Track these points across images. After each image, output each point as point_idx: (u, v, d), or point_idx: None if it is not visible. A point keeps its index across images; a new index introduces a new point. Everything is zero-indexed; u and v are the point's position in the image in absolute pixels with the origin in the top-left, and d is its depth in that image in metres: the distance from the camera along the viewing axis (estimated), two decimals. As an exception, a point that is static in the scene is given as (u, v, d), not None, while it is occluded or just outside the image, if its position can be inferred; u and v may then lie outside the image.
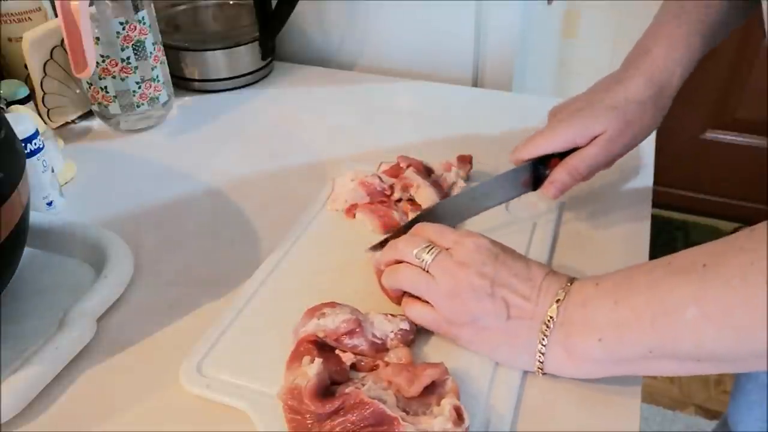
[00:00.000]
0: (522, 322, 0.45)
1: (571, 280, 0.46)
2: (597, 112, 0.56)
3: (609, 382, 0.46)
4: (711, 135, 1.82)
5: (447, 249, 0.48)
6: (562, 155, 0.57)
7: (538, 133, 0.58)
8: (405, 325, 0.49)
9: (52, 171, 0.66)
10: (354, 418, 0.41)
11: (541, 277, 0.46)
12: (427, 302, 0.48)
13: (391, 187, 0.64)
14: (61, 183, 0.69)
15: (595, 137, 0.56)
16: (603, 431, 0.44)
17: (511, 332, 0.45)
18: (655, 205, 0.64)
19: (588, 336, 0.42)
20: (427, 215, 0.57)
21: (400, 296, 0.51)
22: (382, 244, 0.54)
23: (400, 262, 0.50)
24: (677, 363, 0.40)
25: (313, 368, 0.42)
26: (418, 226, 0.52)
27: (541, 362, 0.45)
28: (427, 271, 0.48)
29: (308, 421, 0.41)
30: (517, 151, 0.59)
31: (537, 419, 0.45)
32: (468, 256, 0.46)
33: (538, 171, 0.58)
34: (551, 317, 0.44)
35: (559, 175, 0.57)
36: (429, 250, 0.48)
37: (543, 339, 0.44)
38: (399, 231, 0.56)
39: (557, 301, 0.44)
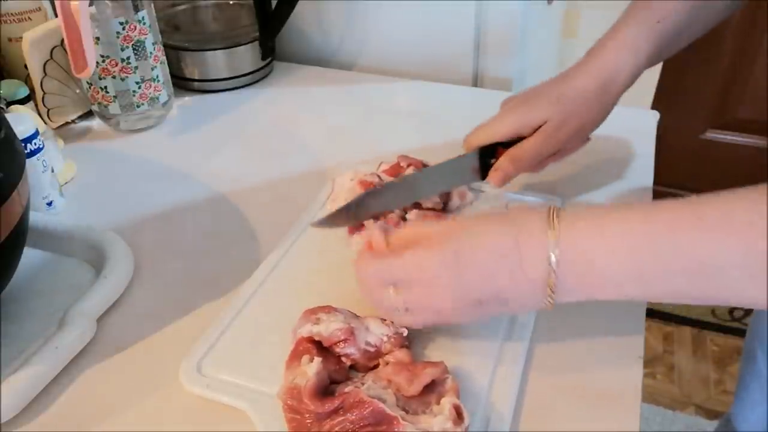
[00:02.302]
0: (519, 286, 0.41)
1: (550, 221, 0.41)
2: (539, 103, 0.57)
3: (609, 382, 0.46)
4: (711, 135, 1.82)
5: (407, 281, 0.44)
6: (509, 146, 0.58)
7: (484, 123, 0.59)
8: (402, 329, 0.47)
9: (52, 171, 0.66)
10: (353, 417, 0.40)
11: (513, 244, 0.41)
12: None
13: (391, 186, 0.64)
14: (61, 183, 0.69)
15: (539, 127, 0.57)
16: (603, 431, 0.44)
17: (516, 300, 0.43)
18: (654, 204, 0.63)
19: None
20: (375, 196, 0.58)
21: None
22: (328, 219, 0.57)
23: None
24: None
25: (312, 367, 0.42)
26: (359, 268, 0.47)
27: (552, 299, 0.41)
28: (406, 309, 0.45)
29: (308, 421, 0.41)
30: (467, 139, 0.60)
31: (537, 419, 0.45)
32: (433, 285, 0.43)
33: (485, 160, 0.59)
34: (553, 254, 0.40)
35: (502, 163, 0.58)
36: (393, 293, 0.44)
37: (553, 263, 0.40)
38: (341, 210, 0.57)
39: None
